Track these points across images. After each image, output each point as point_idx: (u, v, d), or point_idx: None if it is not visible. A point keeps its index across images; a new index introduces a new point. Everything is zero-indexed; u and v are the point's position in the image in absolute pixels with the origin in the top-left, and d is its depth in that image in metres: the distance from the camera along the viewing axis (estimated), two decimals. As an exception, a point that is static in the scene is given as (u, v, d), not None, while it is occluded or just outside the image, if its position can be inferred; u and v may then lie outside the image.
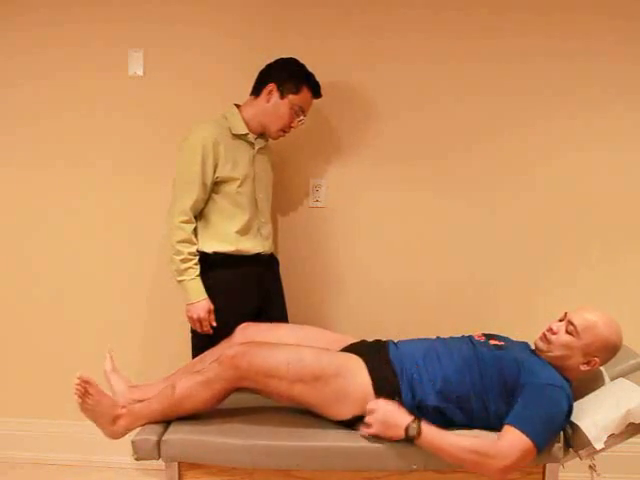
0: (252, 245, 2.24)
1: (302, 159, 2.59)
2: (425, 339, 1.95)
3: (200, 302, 2.15)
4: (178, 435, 1.78)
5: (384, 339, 1.99)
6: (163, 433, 1.79)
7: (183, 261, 2.13)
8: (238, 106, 2.27)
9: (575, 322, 1.79)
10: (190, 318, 2.17)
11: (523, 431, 1.64)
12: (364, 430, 1.73)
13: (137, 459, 1.78)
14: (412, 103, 2.53)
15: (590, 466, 1.80)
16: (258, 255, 2.26)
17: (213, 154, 2.13)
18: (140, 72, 2.58)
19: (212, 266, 2.18)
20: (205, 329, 2.17)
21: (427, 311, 2.57)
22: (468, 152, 2.54)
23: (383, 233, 2.59)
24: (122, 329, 2.67)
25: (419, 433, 1.67)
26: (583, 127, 2.50)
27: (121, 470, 2.63)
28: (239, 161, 2.20)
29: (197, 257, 2.16)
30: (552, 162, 2.51)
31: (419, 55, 2.52)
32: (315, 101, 2.30)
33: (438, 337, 1.97)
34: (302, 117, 2.23)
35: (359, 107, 2.55)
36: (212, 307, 2.17)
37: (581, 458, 1.74)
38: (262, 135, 2.29)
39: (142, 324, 2.66)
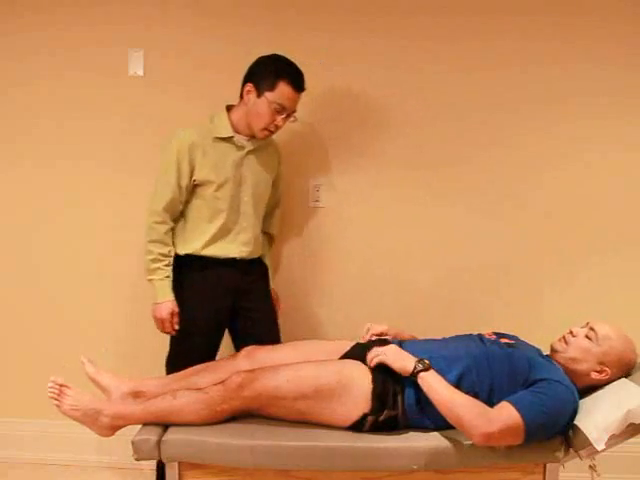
0: (225, 250, 2.21)
1: (302, 159, 2.58)
2: (431, 339, 1.97)
3: (164, 303, 2.16)
4: (178, 435, 1.77)
5: (387, 337, 2.00)
6: (163, 433, 1.79)
7: (153, 261, 2.16)
8: (230, 108, 2.23)
9: (596, 328, 1.84)
10: (154, 318, 2.19)
11: (517, 409, 1.66)
12: (372, 359, 1.80)
13: (137, 459, 1.78)
14: (414, 106, 2.53)
15: (590, 466, 1.80)
16: (233, 260, 2.22)
17: (189, 158, 2.13)
18: (140, 72, 2.58)
19: (182, 268, 2.20)
20: (167, 330, 2.19)
21: (429, 312, 2.57)
22: (470, 154, 2.54)
23: (383, 234, 2.59)
24: (123, 329, 2.67)
25: (428, 368, 1.73)
26: (586, 131, 2.50)
27: (121, 470, 2.64)
28: (219, 164, 2.16)
29: (169, 258, 2.18)
30: (555, 165, 2.51)
31: (422, 59, 2.52)
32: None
33: (443, 337, 1.98)
34: (285, 114, 2.14)
35: (360, 109, 2.55)
36: (176, 310, 2.18)
37: (581, 458, 1.74)
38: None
39: (144, 324, 2.66)
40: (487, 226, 2.55)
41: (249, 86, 2.13)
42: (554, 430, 1.72)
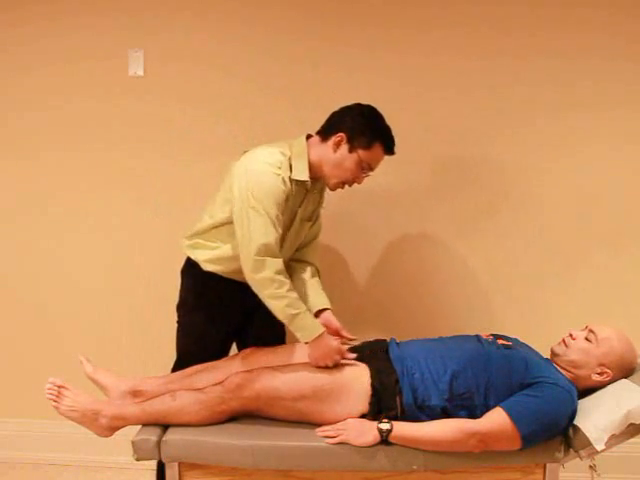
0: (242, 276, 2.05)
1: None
2: (428, 339, 1.97)
3: (324, 332, 1.88)
4: (178, 435, 1.78)
5: (385, 339, 2.00)
6: (163, 433, 1.80)
7: (291, 290, 1.88)
8: (308, 137, 2.05)
9: (595, 330, 1.85)
10: (322, 356, 1.84)
11: (508, 413, 1.68)
12: (331, 440, 1.74)
13: (137, 459, 1.79)
14: (412, 103, 2.52)
15: (590, 466, 1.80)
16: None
17: (282, 205, 1.93)
18: (140, 72, 2.58)
19: (203, 280, 2.09)
20: (346, 356, 1.90)
21: (429, 312, 2.57)
22: (469, 153, 2.53)
23: (384, 235, 2.59)
24: (123, 328, 2.67)
25: (391, 427, 1.71)
26: (584, 126, 2.48)
27: (121, 470, 2.64)
28: (290, 207, 1.99)
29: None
30: (554, 161, 2.50)
31: (422, 60, 2.51)
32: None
33: (441, 337, 1.98)
34: (369, 172, 2.03)
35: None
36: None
37: (581, 458, 1.74)
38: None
39: (144, 323, 2.66)
40: (487, 227, 2.55)
41: (341, 136, 1.96)
42: (553, 432, 1.72)
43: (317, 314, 2.05)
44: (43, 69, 2.61)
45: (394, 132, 2.02)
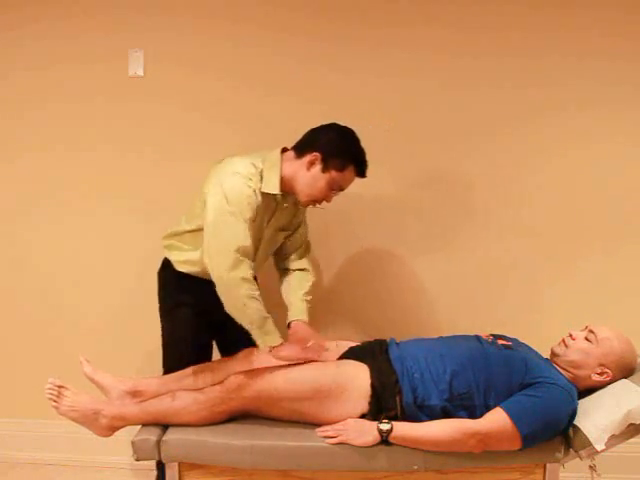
0: None
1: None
2: (427, 338, 1.97)
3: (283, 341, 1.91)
4: (178, 435, 1.78)
5: (385, 338, 2.00)
6: (163, 433, 1.80)
7: (256, 298, 1.89)
8: (283, 150, 2.06)
9: (596, 331, 1.85)
10: (287, 357, 1.88)
11: (508, 413, 1.69)
12: (331, 440, 1.75)
13: (137, 459, 1.79)
14: (411, 100, 2.52)
15: (590, 466, 1.80)
16: None
17: (253, 215, 1.96)
18: (140, 72, 2.58)
19: (180, 280, 2.12)
20: (310, 355, 1.92)
21: (430, 313, 2.57)
22: (468, 149, 2.52)
23: (385, 236, 2.58)
24: (122, 329, 2.67)
25: (392, 427, 1.71)
26: (584, 123, 2.48)
27: (120, 470, 2.64)
28: (258, 221, 2.01)
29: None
30: (551, 162, 2.51)
31: (422, 59, 2.51)
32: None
33: (440, 337, 1.98)
34: (339, 192, 2.06)
35: (356, 104, 2.54)
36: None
37: (581, 458, 1.74)
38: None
39: (143, 323, 2.65)
40: (487, 227, 2.55)
41: (315, 156, 1.98)
42: (553, 432, 1.72)
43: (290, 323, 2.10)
44: (43, 69, 2.61)
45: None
